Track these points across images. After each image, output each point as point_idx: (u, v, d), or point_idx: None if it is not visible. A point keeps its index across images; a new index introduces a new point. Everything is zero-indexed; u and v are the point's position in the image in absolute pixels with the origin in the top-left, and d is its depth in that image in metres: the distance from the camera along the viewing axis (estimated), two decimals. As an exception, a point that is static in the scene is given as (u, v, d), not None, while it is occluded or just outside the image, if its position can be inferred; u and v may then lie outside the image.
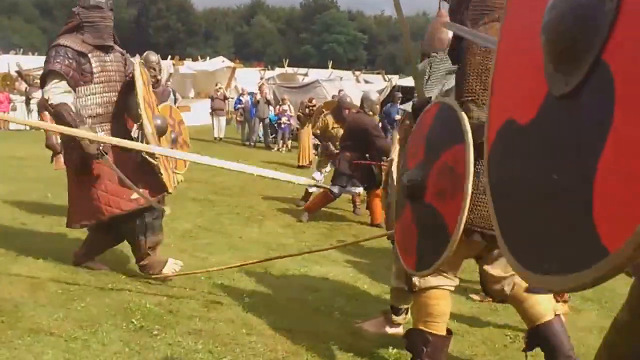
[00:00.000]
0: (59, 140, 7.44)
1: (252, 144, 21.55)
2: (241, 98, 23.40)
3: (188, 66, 31.24)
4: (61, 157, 7.51)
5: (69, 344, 4.08)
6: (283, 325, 4.65)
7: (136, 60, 5.68)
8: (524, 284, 3.84)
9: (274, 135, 21.60)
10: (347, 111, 10.19)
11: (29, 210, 7.96)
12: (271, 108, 21.80)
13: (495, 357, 4.44)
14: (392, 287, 4.59)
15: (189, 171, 9.09)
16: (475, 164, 2.95)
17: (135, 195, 5.40)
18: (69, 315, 4.54)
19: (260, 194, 11.02)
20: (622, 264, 1.16)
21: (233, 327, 4.58)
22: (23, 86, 23.34)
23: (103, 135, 5.34)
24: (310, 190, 10.03)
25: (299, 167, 15.92)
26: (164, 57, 25.36)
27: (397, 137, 4.97)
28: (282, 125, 20.58)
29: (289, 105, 20.84)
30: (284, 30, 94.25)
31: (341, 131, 9.74)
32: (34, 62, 24.70)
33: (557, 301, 4.89)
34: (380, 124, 12.70)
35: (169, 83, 15.72)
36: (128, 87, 5.58)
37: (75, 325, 4.36)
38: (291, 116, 20.27)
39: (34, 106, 19.80)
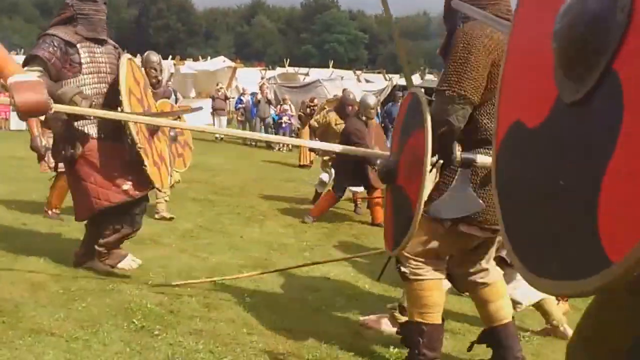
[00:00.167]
0: (44, 142, 7.40)
1: (253, 143, 21.55)
2: (242, 98, 23.40)
3: (189, 66, 31.22)
4: (47, 160, 7.53)
5: (70, 344, 4.07)
6: (284, 324, 4.64)
7: (125, 56, 5.61)
8: (495, 286, 3.91)
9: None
10: (350, 108, 10.21)
11: (30, 211, 7.95)
12: (272, 107, 21.80)
13: (496, 356, 4.44)
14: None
15: (189, 171, 9.10)
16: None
17: (126, 186, 5.40)
18: (69, 315, 4.53)
19: (261, 193, 11.02)
20: (623, 275, 1.16)
21: (234, 326, 4.57)
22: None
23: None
24: (320, 191, 10.04)
25: (300, 166, 15.92)
26: (165, 57, 25.32)
27: None
28: (283, 125, 20.59)
29: (290, 105, 20.85)
30: (284, 30, 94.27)
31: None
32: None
33: (558, 300, 4.90)
34: (382, 124, 12.74)
35: (169, 83, 15.73)
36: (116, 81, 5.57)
37: (76, 326, 4.35)
38: (292, 116, 20.28)
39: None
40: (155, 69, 8.16)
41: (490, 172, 2.46)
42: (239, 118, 24.03)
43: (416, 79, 22.28)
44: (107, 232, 5.55)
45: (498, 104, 1.79)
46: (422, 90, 3.67)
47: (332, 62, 37.06)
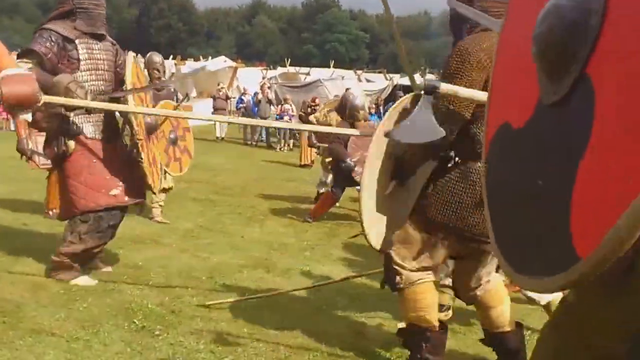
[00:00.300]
0: (30, 145, 7.35)
1: (254, 143, 21.53)
2: (243, 97, 23.38)
3: (190, 66, 31.22)
4: (36, 161, 7.50)
5: (70, 344, 4.07)
6: (285, 324, 4.63)
7: (131, 54, 5.59)
8: (495, 291, 3.91)
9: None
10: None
11: (30, 211, 7.93)
12: (273, 107, 21.77)
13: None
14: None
15: (190, 171, 9.06)
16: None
17: (114, 192, 5.34)
18: (70, 315, 4.53)
19: (262, 193, 11.01)
20: (592, 271, 1.22)
21: (235, 326, 4.57)
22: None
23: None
24: (321, 191, 10.03)
25: (301, 166, 15.89)
26: (166, 57, 25.22)
27: None
28: (284, 125, 20.56)
29: (291, 105, 20.82)
30: (285, 29, 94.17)
31: None
32: (35, 63, 24.63)
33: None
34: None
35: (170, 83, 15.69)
36: (117, 81, 5.55)
37: (77, 326, 4.35)
38: (293, 115, 20.24)
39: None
40: (158, 70, 8.13)
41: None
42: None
43: (417, 78, 22.19)
44: (71, 239, 5.35)
45: (488, 106, 1.83)
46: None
47: (333, 61, 37.06)
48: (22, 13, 74.59)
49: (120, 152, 5.54)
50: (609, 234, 1.16)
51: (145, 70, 8.08)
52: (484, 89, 3.38)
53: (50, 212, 7.65)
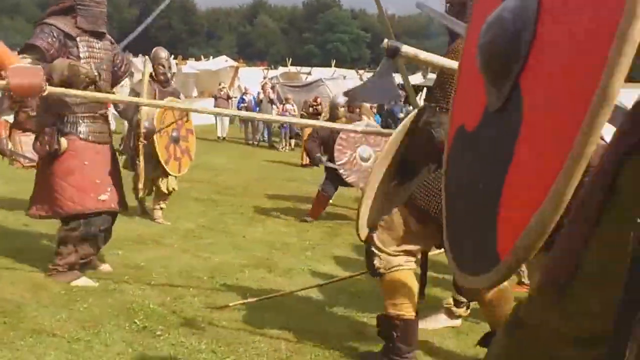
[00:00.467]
0: (10, 146, 7.33)
1: (256, 143, 21.51)
2: (244, 97, 23.36)
3: (191, 65, 31.18)
4: (21, 161, 7.49)
5: (71, 344, 4.05)
6: (287, 324, 4.62)
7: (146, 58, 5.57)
8: (505, 291, 3.91)
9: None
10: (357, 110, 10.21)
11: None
12: (275, 107, 21.74)
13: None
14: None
15: (192, 171, 9.06)
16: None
17: (103, 197, 5.29)
18: (71, 315, 4.52)
19: (264, 193, 10.99)
20: (509, 272, 1.32)
21: (236, 326, 4.56)
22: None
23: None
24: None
25: (303, 166, 15.86)
26: (167, 57, 25.31)
27: None
28: (284, 125, 20.52)
29: (292, 104, 20.80)
30: (286, 29, 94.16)
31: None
32: (36, 63, 24.58)
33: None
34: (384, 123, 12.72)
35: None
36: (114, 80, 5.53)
37: (78, 326, 4.33)
38: (294, 115, 20.21)
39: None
40: (164, 65, 8.02)
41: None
42: (241, 117, 23.96)
43: (418, 78, 22.20)
44: (66, 249, 5.32)
45: (452, 106, 1.93)
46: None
47: (334, 61, 37.01)
48: (23, 13, 74.53)
49: (111, 157, 5.51)
50: (518, 241, 1.25)
51: (151, 65, 8.03)
52: None
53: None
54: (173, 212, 8.33)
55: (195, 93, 28.82)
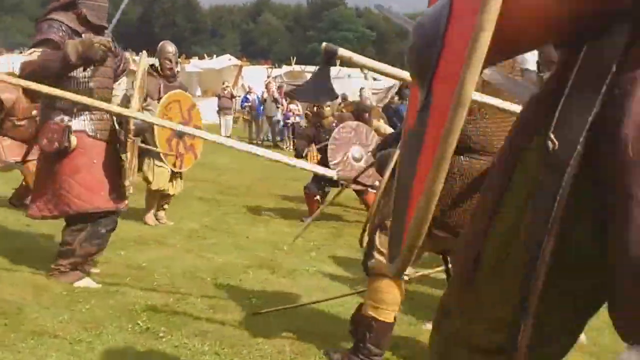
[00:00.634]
0: None
1: (260, 142, 21.49)
2: (248, 96, 23.34)
3: (194, 64, 31.14)
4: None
5: (73, 346, 4.01)
6: (291, 326, 4.57)
7: (143, 54, 5.48)
8: None
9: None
10: (366, 115, 10.21)
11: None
12: (279, 106, 21.72)
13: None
14: None
15: (195, 171, 9.04)
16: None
17: (113, 196, 5.24)
18: (73, 317, 4.48)
19: (267, 193, 10.97)
20: (405, 263, 1.42)
21: (240, 328, 4.51)
22: (27, 85, 23.03)
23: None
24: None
25: (307, 165, 15.83)
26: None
27: None
28: (288, 124, 20.52)
29: (297, 104, 20.74)
30: (291, 27, 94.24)
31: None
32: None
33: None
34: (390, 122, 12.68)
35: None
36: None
37: (80, 328, 4.29)
38: (299, 115, 20.18)
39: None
40: (171, 60, 7.87)
41: None
42: (244, 117, 23.96)
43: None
44: (70, 250, 5.25)
45: (408, 105, 2.03)
46: None
47: (339, 60, 36.91)
48: (25, 11, 74.66)
49: (117, 155, 5.46)
50: (407, 233, 1.35)
51: (157, 59, 7.94)
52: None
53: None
54: (176, 212, 8.30)
55: (198, 92, 28.81)
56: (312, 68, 32.61)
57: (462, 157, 3.49)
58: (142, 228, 7.46)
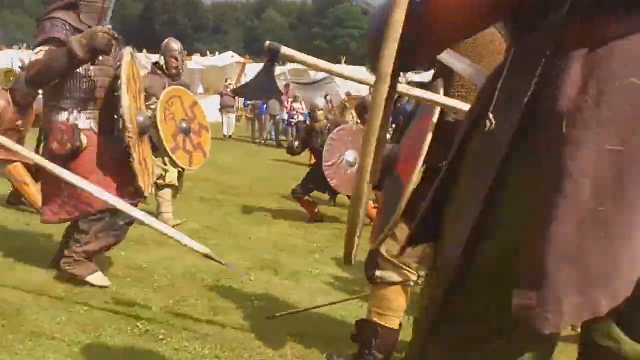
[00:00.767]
0: None
1: (262, 141, 21.44)
2: (251, 94, 23.27)
3: (196, 61, 31.05)
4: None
5: (71, 348, 3.97)
6: (293, 330, 4.52)
7: (128, 49, 5.36)
8: None
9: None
10: None
11: (32, 211, 7.79)
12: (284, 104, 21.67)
13: None
14: None
15: (197, 170, 8.97)
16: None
17: (129, 189, 5.17)
18: (71, 319, 4.42)
19: (270, 193, 10.92)
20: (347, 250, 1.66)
21: (241, 331, 4.47)
22: (26, 83, 22.82)
23: None
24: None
25: (311, 165, 15.76)
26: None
27: None
28: (292, 123, 20.49)
29: (301, 103, 20.67)
30: (295, 24, 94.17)
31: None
32: (38, 58, 24.31)
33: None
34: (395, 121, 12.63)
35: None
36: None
37: (78, 330, 4.24)
38: (303, 114, 20.14)
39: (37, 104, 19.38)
40: (177, 59, 7.68)
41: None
42: (247, 115, 23.91)
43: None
44: (86, 238, 5.16)
45: None
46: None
47: (344, 57, 36.87)
48: (25, 8, 74.67)
49: (124, 150, 5.37)
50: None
51: (162, 58, 7.74)
52: None
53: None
54: (177, 213, 8.23)
55: (201, 90, 28.75)
56: (317, 66, 32.53)
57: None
58: (142, 228, 7.37)
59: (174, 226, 7.15)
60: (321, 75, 27.15)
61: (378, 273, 3.75)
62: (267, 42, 3.48)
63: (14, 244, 6.12)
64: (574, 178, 1.27)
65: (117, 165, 5.18)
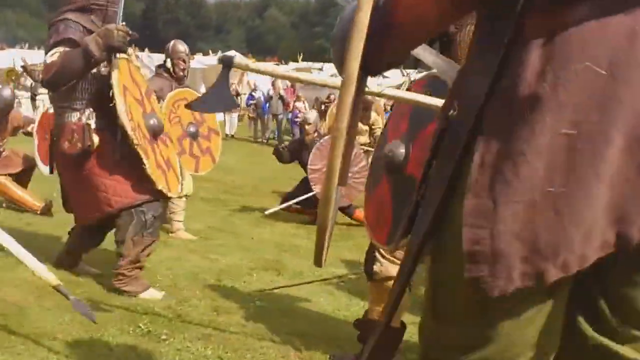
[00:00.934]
0: None
1: (265, 141, 21.43)
2: (253, 94, 23.28)
3: (198, 60, 30.97)
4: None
5: (74, 348, 3.96)
6: (296, 330, 4.52)
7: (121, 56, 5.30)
8: None
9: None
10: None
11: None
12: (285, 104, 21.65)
13: None
14: None
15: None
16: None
17: (146, 185, 5.06)
18: (74, 319, 4.39)
19: (273, 193, 10.92)
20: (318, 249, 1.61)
21: (244, 331, 4.46)
22: (28, 82, 22.48)
23: None
24: None
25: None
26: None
27: None
28: (296, 122, 20.46)
29: (304, 102, 20.65)
30: (297, 23, 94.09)
31: None
32: (39, 57, 24.03)
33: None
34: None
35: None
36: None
37: (81, 330, 4.23)
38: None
39: (40, 102, 19.19)
40: (185, 61, 7.54)
41: None
42: (250, 115, 23.90)
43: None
44: (125, 248, 5.06)
45: None
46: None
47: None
48: (27, 7, 74.60)
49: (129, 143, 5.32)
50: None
51: (169, 60, 7.56)
52: None
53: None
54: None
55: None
56: (320, 65, 32.61)
57: None
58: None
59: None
60: (324, 74, 27.18)
61: (376, 268, 3.76)
62: (220, 54, 3.54)
63: (15, 243, 6.09)
64: (527, 160, 1.32)
65: (131, 163, 5.12)
